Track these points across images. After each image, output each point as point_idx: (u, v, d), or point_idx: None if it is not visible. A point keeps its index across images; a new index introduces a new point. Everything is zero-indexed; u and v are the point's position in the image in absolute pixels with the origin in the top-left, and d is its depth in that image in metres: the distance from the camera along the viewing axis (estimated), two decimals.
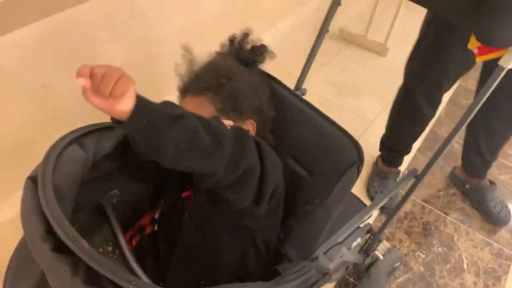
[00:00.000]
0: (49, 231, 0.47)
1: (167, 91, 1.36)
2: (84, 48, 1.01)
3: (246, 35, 0.81)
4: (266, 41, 0.91)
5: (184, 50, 0.79)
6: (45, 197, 0.47)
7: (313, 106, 0.74)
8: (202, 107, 0.69)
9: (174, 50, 1.31)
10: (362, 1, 2.53)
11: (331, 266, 0.69)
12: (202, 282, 0.65)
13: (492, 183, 1.51)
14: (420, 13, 2.59)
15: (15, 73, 0.89)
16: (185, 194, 0.74)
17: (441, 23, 1.07)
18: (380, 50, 2.22)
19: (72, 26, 0.96)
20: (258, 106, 0.74)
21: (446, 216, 1.46)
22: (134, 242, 0.80)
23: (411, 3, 0.81)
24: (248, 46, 0.81)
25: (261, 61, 0.82)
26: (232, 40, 0.81)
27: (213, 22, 1.41)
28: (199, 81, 0.72)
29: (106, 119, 0.70)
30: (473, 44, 0.75)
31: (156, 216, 0.83)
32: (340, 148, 0.68)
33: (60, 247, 0.46)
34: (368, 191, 1.49)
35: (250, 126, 0.74)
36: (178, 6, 1.23)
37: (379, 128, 1.76)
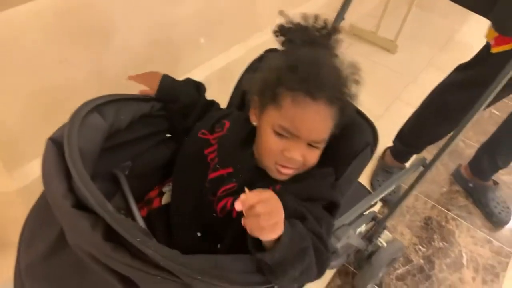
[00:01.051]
0: (70, 189, 0.48)
1: (181, 72, 1.38)
2: (102, 26, 1.02)
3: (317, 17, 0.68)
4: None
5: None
6: (71, 157, 0.48)
7: None
8: (332, 121, 0.61)
9: (188, 32, 1.32)
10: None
11: (339, 245, 0.70)
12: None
13: (495, 183, 1.52)
14: (431, 13, 2.60)
15: (35, 43, 0.90)
16: (213, 175, 0.71)
17: None
18: (390, 47, 2.22)
19: (92, 3, 0.96)
20: None
21: (448, 212, 1.48)
22: (142, 214, 0.80)
23: (423, 2, 0.81)
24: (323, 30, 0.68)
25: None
26: (323, 26, 0.68)
27: (225, 7, 1.42)
28: (335, 89, 0.60)
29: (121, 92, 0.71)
30: (491, 35, 0.75)
31: (164, 189, 0.84)
32: (356, 129, 0.68)
33: (80, 204, 0.47)
34: (372, 185, 1.50)
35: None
36: None
37: (386, 124, 1.76)
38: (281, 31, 0.68)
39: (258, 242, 0.51)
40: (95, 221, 0.45)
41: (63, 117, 0.59)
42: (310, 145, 0.62)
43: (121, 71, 1.14)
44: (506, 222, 1.47)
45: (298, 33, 0.66)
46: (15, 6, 0.82)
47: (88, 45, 1.01)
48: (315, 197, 0.63)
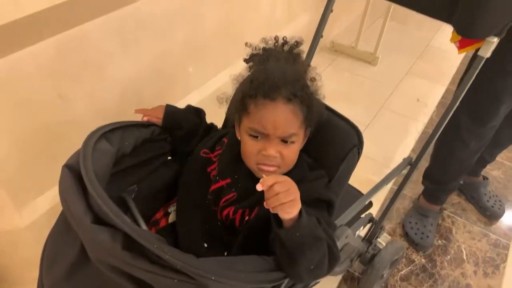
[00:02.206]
0: (89, 207, 0.52)
1: (175, 98, 1.44)
2: (96, 60, 1.09)
3: (299, 42, 0.78)
4: None
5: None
6: (88, 177, 0.53)
7: None
8: (295, 115, 0.68)
9: (179, 60, 1.39)
10: (351, 14, 2.66)
11: (338, 244, 0.74)
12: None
13: (485, 178, 1.58)
14: (406, 24, 2.73)
15: (34, 83, 0.95)
16: (214, 187, 0.77)
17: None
18: (370, 59, 2.33)
19: (86, 40, 1.03)
20: (321, 117, 0.76)
21: (444, 210, 1.52)
22: None
23: (398, 15, 0.88)
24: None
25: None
26: (283, 42, 0.78)
27: (213, 35, 1.50)
28: (288, 88, 0.67)
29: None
30: (455, 38, 0.83)
31: (170, 210, 0.88)
32: (341, 134, 0.75)
33: (99, 220, 0.51)
34: (404, 226, 1.44)
35: (307, 135, 0.76)
36: (181, 20, 1.32)
37: (374, 132, 1.84)
38: (250, 58, 0.77)
39: (280, 224, 0.57)
40: (114, 233, 0.49)
41: (66, 151, 0.65)
42: (284, 141, 0.69)
43: (117, 101, 1.20)
44: (500, 215, 1.52)
45: (260, 55, 0.75)
46: (15, 52, 0.88)
47: (84, 80, 1.07)
48: (314, 198, 0.69)
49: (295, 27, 2.02)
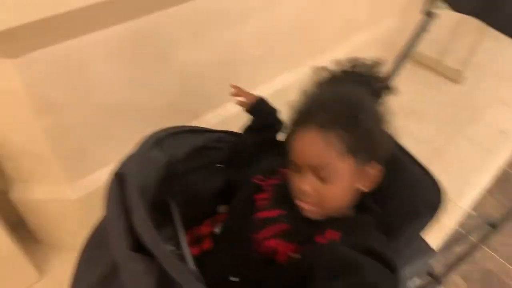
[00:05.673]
0: (130, 229, 0.48)
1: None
2: (166, 49, 1.07)
3: (377, 63, 0.69)
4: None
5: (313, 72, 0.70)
6: (132, 199, 0.49)
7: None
8: (328, 146, 0.58)
9: (247, 54, 1.34)
10: (439, 25, 2.41)
11: None
12: None
13: None
14: (504, 43, 2.42)
15: (102, 69, 0.96)
16: (261, 214, 0.69)
17: None
18: (455, 76, 2.10)
19: (157, 29, 1.01)
20: (388, 147, 0.64)
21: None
22: (194, 252, 0.78)
23: (496, 33, 0.74)
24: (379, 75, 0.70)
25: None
26: (355, 63, 0.70)
27: (288, 28, 1.42)
28: (327, 112, 0.59)
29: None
30: None
31: (217, 229, 0.82)
32: (418, 187, 0.63)
33: (137, 246, 0.47)
34: None
35: (375, 172, 0.64)
36: (256, 12, 1.26)
37: (443, 158, 1.65)
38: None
39: None
40: (149, 266, 0.45)
41: (124, 135, 0.63)
42: (321, 179, 0.60)
43: (180, 91, 1.18)
44: None
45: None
46: (82, 35, 0.88)
47: (153, 69, 1.07)
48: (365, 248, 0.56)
49: (376, 32, 1.86)
